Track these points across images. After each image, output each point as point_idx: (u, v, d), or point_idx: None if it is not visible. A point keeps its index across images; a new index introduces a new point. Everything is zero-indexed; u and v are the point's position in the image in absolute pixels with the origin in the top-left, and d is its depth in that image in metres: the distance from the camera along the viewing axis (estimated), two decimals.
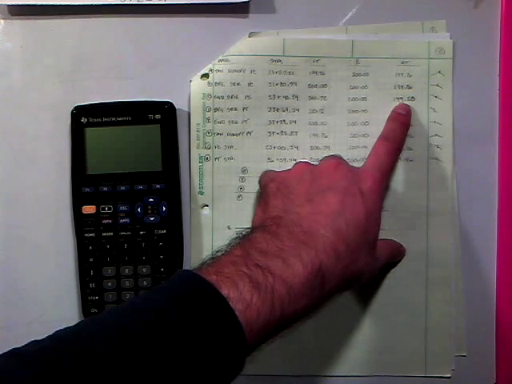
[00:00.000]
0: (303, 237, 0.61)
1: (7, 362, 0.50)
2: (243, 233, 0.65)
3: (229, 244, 0.63)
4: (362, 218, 0.64)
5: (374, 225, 0.66)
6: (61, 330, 0.54)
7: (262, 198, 0.71)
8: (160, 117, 0.74)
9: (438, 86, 0.74)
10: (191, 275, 0.56)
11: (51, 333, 0.53)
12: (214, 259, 0.60)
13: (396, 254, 0.75)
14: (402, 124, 0.74)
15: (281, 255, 0.59)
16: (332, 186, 0.66)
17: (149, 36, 0.76)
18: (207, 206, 0.76)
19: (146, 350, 0.51)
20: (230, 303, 0.53)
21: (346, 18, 0.75)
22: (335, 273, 0.61)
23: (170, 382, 0.51)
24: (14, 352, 0.51)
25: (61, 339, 0.52)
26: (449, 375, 0.76)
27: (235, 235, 0.64)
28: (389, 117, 0.74)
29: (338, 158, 0.70)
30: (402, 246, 0.75)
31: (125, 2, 0.74)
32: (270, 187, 0.70)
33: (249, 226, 0.74)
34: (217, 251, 0.62)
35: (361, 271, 0.65)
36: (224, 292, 0.54)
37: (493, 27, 0.75)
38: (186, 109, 0.76)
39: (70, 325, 0.54)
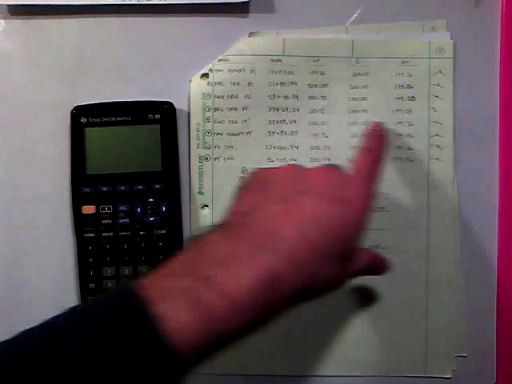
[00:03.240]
0: (265, 239, 0.56)
1: None
2: (203, 231, 0.59)
3: (184, 245, 0.60)
4: (337, 226, 0.58)
5: (352, 235, 0.60)
6: None
7: (240, 189, 0.65)
8: (160, 117, 0.74)
9: (438, 85, 0.74)
10: (126, 291, 0.52)
11: None
12: (163, 265, 0.56)
13: (376, 269, 0.70)
14: (379, 137, 0.70)
15: (230, 264, 0.54)
16: (314, 190, 0.60)
17: (149, 36, 0.76)
18: (207, 206, 0.76)
19: (65, 377, 0.48)
20: (165, 322, 0.50)
21: (350, 20, 0.75)
22: (290, 282, 0.55)
23: None
24: None
25: None
26: (449, 376, 0.76)
27: (191, 236, 0.61)
28: (365, 133, 0.70)
29: (331, 166, 0.66)
30: (387, 262, 0.71)
31: (125, 2, 0.74)
32: (250, 179, 0.65)
33: None
34: (173, 254, 0.58)
35: (325, 283, 0.59)
36: (159, 310, 0.50)
37: (493, 27, 0.75)
38: (186, 109, 0.76)
39: None
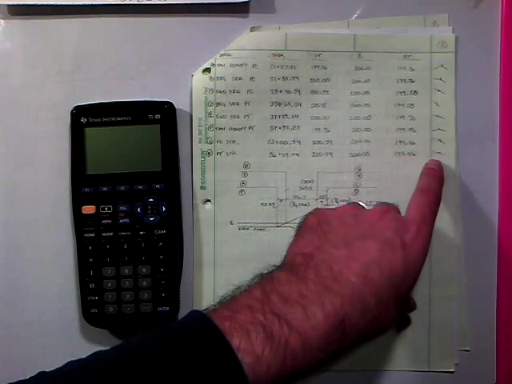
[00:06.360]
0: (331, 282, 0.58)
1: None
2: (269, 269, 0.62)
3: (252, 279, 0.62)
4: (399, 270, 0.60)
5: (410, 279, 0.62)
6: (73, 361, 0.54)
7: (300, 229, 0.68)
8: (160, 117, 0.74)
9: (440, 79, 0.74)
10: (203, 320, 0.55)
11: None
12: (233, 298, 0.58)
13: (412, 308, 0.74)
14: (436, 178, 0.72)
15: (302, 303, 0.56)
16: (374, 234, 0.63)
17: (149, 36, 0.76)
18: (209, 201, 0.75)
19: None
20: (239, 355, 0.52)
21: (353, 18, 0.75)
22: (359, 326, 0.58)
23: None
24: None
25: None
26: (452, 370, 0.76)
27: (259, 272, 0.62)
28: (421, 172, 0.73)
29: (386, 206, 0.68)
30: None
31: (125, 2, 0.74)
32: (310, 220, 0.68)
33: (251, 220, 0.75)
34: (237, 288, 0.60)
35: (387, 325, 0.62)
36: (235, 342, 0.53)
37: (494, 21, 0.75)
38: (187, 109, 0.76)
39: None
